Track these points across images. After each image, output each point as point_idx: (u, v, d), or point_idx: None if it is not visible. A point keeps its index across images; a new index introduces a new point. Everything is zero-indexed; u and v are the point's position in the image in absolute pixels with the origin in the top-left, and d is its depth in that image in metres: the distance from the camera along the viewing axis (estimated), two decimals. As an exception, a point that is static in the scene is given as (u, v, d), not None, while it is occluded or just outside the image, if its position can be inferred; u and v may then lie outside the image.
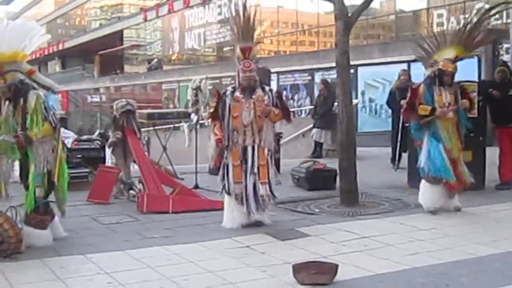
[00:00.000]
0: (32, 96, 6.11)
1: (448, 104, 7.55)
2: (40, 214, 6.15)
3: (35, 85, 6.29)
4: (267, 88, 7.13)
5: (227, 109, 6.87)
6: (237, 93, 6.91)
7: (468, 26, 7.71)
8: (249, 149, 6.85)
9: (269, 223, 6.97)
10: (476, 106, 8.69)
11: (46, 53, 54.15)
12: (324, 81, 15.50)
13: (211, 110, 7.11)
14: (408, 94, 7.77)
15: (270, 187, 6.88)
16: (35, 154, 6.07)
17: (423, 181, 7.63)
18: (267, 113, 6.88)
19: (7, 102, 6.19)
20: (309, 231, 6.77)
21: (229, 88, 7.03)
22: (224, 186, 6.94)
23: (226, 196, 6.98)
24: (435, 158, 7.43)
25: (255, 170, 6.81)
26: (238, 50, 6.99)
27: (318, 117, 14.43)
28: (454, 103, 7.58)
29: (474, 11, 7.87)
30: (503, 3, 8.52)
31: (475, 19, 7.74)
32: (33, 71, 6.44)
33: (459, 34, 7.77)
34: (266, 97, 6.93)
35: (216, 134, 6.97)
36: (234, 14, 7.05)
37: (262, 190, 6.81)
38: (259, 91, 6.95)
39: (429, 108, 7.51)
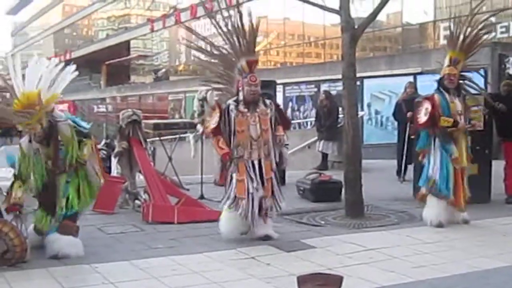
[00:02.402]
0: (66, 128, 6.19)
1: (461, 112, 7.58)
2: (75, 222, 6.30)
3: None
4: (267, 101, 7.02)
5: (232, 124, 6.76)
6: (241, 107, 6.80)
7: (457, 32, 7.81)
8: (256, 163, 6.77)
9: (277, 237, 6.86)
10: (482, 119, 8.70)
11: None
12: (326, 93, 15.49)
13: (214, 125, 6.85)
14: (427, 105, 7.59)
15: (276, 200, 6.86)
16: (89, 172, 6.33)
17: (429, 195, 7.61)
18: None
19: (26, 139, 6.21)
20: (314, 243, 6.76)
21: (231, 102, 6.85)
22: (227, 200, 6.84)
23: (226, 208, 6.87)
24: (442, 171, 7.44)
25: (261, 185, 6.74)
26: (243, 63, 6.91)
27: (325, 129, 14.41)
28: (464, 112, 7.62)
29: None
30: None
31: (460, 26, 7.86)
32: (54, 109, 6.37)
33: (451, 41, 7.86)
34: (268, 111, 6.88)
35: (222, 149, 6.76)
36: (239, 25, 6.97)
37: (268, 203, 6.79)
38: (261, 105, 6.88)
39: (452, 120, 7.48)
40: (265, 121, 6.82)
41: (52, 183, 6.22)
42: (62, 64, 6.35)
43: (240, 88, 6.84)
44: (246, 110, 6.79)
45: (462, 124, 7.55)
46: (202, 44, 7.64)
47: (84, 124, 6.45)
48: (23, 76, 6.08)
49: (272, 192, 6.84)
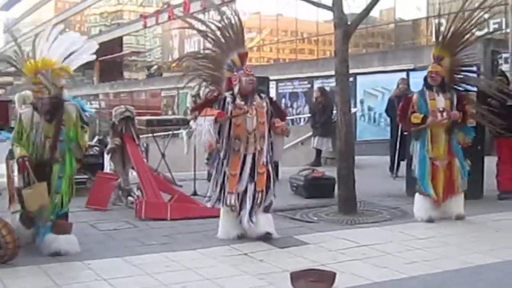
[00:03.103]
0: (72, 108, 6.14)
1: (443, 109, 7.60)
2: (67, 219, 6.29)
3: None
4: (263, 95, 6.98)
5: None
6: (238, 100, 6.70)
7: (440, 28, 8.01)
8: (249, 157, 6.67)
9: (277, 237, 6.73)
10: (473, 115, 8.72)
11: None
12: (321, 89, 15.53)
13: (201, 103, 6.86)
14: (403, 102, 7.87)
15: (266, 195, 6.71)
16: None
17: (416, 193, 7.71)
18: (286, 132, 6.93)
19: (28, 112, 6.08)
20: (307, 239, 6.77)
21: (228, 94, 6.74)
22: (212, 197, 6.74)
23: (222, 207, 6.77)
24: (420, 169, 7.60)
25: (255, 178, 6.64)
26: (235, 56, 6.85)
27: (320, 125, 14.44)
28: (450, 109, 7.63)
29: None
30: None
31: (446, 23, 7.94)
32: (63, 88, 6.29)
33: (436, 38, 8.01)
34: (264, 104, 6.81)
35: (212, 109, 6.61)
36: (229, 20, 6.94)
37: (259, 199, 6.65)
38: (257, 98, 6.82)
39: (421, 116, 7.59)
40: (261, 114, 6.73)
41: (48, 164, 6.08)
42: (85, 38, 6.42)
43: (235, 82, 6.73)
44: (243, 103, 6.70)
45: (431, 120, 7.57)
46: (195, 39, 7.61)
47: (87, 107, 6.36)
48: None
49: (267, 186, 6.73)
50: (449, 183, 7.64)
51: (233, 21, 6.97)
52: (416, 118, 7.64)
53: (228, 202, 6.65)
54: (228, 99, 6.70)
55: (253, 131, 6.69)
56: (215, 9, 7.27)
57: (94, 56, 6.42)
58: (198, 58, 7.39)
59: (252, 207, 6.64)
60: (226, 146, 6.68)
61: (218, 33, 6.99)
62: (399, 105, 8.03)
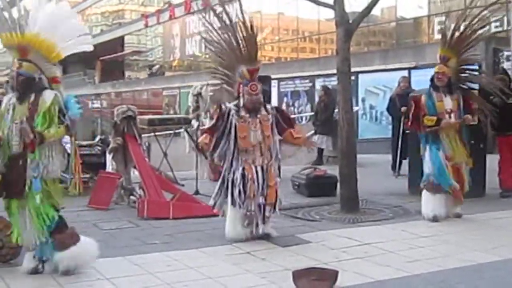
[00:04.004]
0: (49, 95, 5.35)
1: (450, 110, 7.60)
2: (63, 231, 5.45)
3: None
4: (268, 106, 6.89)
5: (233, 129, 6.60)
6: (243, 113, 6.65)
7: (446, 28, 7.95)
8: (259, 169, 6.60)
9: (276, 235, 6.72)
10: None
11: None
12: (324, 88, 15.56)
13: (211, 125, 6.85)
14: (412, 105, 7.78)
15: (275, 207, 6.69)
16: (40, 156, 5.28)
17: (424, 190, 7.65)
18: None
19: (9, 95, 5.53)
20: (309, 237, 6.77)
21: (232, 107, 6.69)
22: (217, 202, 6.73)
23: (231, 207, 6.64)
24: (435, 165, 7.50)
25: (264, 191, 6.56)
26: (244, 70, 6.74)
27: (320, 124, 14.46)
28: (457, 109, 7.63)
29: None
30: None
31: (451, 23, 7.97)
32: (57, 81, 5.59)
33: (442, 38, 7.96)
34: (270, 116, 6.72)
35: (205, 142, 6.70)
36: (240, 33, 6.81)
37: (267, 212, 6.62)
38: (263, 110, 6.74)
39: (435, 118, 7.55)
40: (266, 127, 6.68)
41: (21, 157, 5.28)
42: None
43: (241, 94, 6.71)
44: (247, 115, 6.65)
45: (445, 122, 7.56)
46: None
47: (73, 106, 5.45)
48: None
49: (276, 197, 6.68)
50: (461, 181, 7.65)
51: (247, 30, 6.82)
52: (429, 120, 7.58)
53: (247, 205, 6.55)
54: (232, 111, 6.66)
55: (258, 144, 6.64)
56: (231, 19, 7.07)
57: (91, 48, 5.82)
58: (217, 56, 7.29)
59: (261, 217, 6.60)
60: (236, 157, 6.62)
61: (233, 38, 6.87)
62: (409, 109, 7.89)
